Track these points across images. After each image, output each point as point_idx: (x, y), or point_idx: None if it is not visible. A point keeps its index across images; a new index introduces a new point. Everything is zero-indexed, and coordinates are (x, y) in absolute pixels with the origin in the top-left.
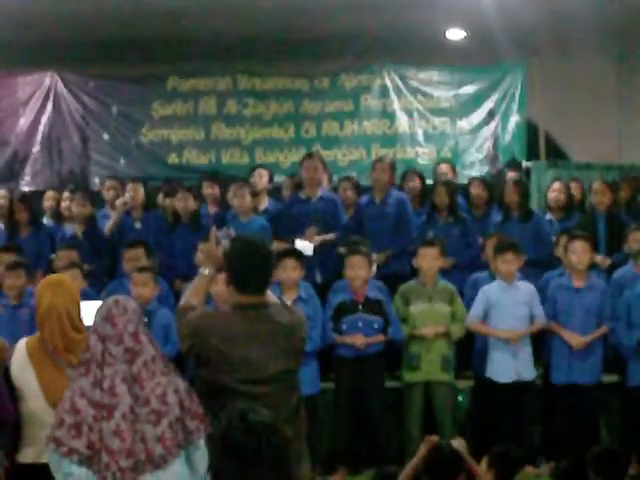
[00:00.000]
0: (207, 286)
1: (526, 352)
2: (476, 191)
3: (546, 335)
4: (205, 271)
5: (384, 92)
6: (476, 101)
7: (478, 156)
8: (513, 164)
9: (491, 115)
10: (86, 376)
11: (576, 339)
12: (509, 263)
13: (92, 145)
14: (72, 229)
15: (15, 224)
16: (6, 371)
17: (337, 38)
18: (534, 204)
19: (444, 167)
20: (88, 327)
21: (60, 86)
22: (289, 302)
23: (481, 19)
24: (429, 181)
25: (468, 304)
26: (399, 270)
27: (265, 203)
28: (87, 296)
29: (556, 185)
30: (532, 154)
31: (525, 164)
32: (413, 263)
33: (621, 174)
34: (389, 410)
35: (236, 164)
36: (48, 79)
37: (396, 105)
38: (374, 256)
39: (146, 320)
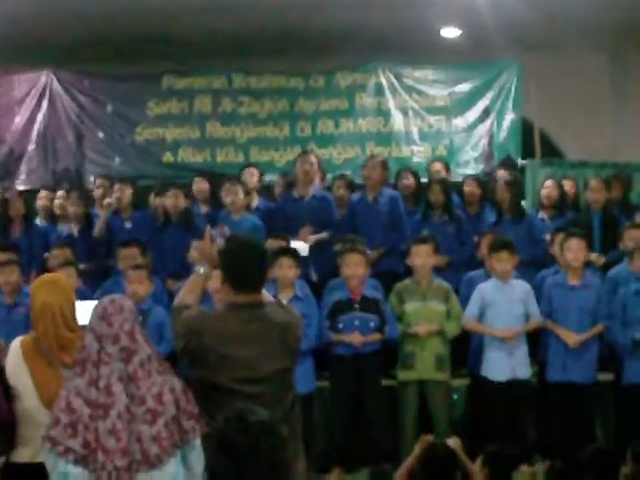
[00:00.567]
0: (202, 284)
1: (522, 350)
2: (469, 189)
3: (541, 333)
4: (200, 269)
5: (379, 90)
6: (471, 99)
7: (473, 154)
8: (508, 162)
9: (486, 113)
10: (82, 375)
11: (572, 337)
12: (504, 262)
13: (87, 143)
14: (68, 229)
15: (7, 223)
16: (1, 370)
17: (332, 37)
18: (529, 202)
19: (437, 165)
20: (83, 326)
21: (55, 84)
22: (285, 301)
23: (476, 17)
24: (424, 179)
25: (463, 303)
26: (392, 268)
27: (256, 202)
28: (82, 295)
29: (548, 182)
30: (527, 152)
31: (520, 162)
32: (407, 261)
33: (616, 172)
34: (385, 409)
35: (231, 163)
36: (44, 77)
37: (391, 103)
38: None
39: (141, 318)
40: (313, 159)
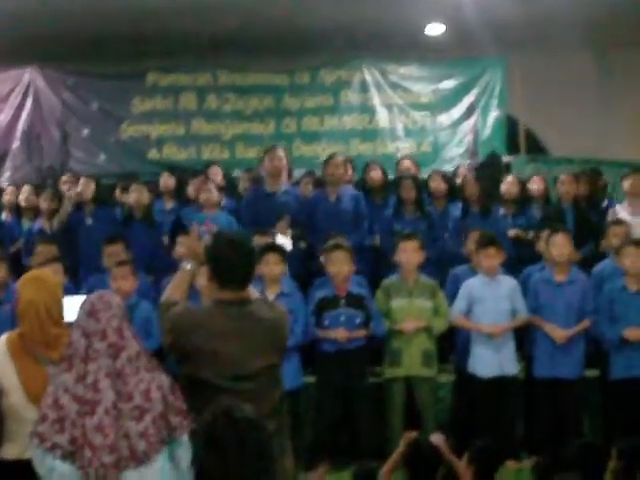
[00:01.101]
0: (189, 281)
1: (509, 347)
2: (435, 184)
3: (528, 329)
4: (187, 266)
5: (364, 87)
6: (456, 96)
7: (458, 151)
8: (493, 159)
9: (471, 110)
10: (69, 371)
11: (558, 333)
12: (491, 258)
13: (72, 141)
14: (40, 224)
15: None
16: None
17: (317, 34)
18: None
19: (407, 162)
20: (69, 323)
21: (40, 82)
22: (271, 297)
23: (461, 14)
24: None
25: (448, 299)
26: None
27: (222, 200)
28: (66, 291)
29: (509, 179)
30: (512, 149)
31: (505, 159)
32: (395, 258)
33: (601, 169)
34: (371, 405)
35: (216, 159)
36: (28, 75)
37: (376, 100)
38: None
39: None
40: (281, 154)
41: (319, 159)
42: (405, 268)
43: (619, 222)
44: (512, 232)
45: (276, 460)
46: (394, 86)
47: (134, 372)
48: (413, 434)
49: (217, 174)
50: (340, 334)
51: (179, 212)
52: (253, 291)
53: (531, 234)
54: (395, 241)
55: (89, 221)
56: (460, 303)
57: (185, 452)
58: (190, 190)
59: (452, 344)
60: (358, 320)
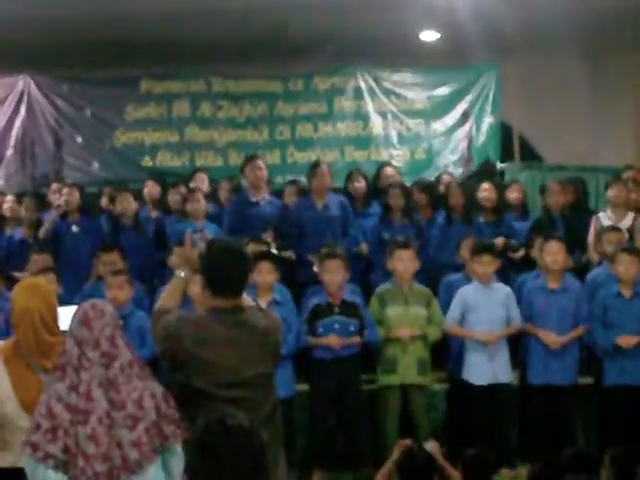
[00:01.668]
0: (183, 289)
1: (502, 354)
2: (416, 196)
3: (522, 337)
4: (181, 274)
5: (358, 94)
6: (450, 103)
7: (452, 158)
8: (487, 166)
9: (465, 117)
10: (62, 380)
11: (552, 338)
12: (486, 265)
13: (66, 148)
14: (20, 233)
15: None
16: None
17: (311, 40)
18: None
19: (389, 170)
20: (64, 331)
21: (33, 89)
22: (264, 305)
23: (455, 21)
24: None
25: (442, 307)
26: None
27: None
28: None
29: (485, 185)
30: (506, 156)
31: (499, 166)
32: (389, 266)
33: (595, 176)
34: (365, 413)
35: (210, 167)
36: (21, 82)
37: (370, 107)
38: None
39: (121, 323)
40: (262, 164)
41: None
42: (401, 276)
43: (614, 229)
44: (499, 240)
45: (270, 469)
46: (388, 93)
47: (127, 381)
48: (407, 442)
49: (204, 181)
50: (334, 341)
51: (162, 221)
52: (247, 299)
53: (514, 242)
54: (390, 249)
55: (75, 229)
56: (454, 311)
57: (178, 461)
58: (171, 199)
59: (446, 352)
60: (352, 328)
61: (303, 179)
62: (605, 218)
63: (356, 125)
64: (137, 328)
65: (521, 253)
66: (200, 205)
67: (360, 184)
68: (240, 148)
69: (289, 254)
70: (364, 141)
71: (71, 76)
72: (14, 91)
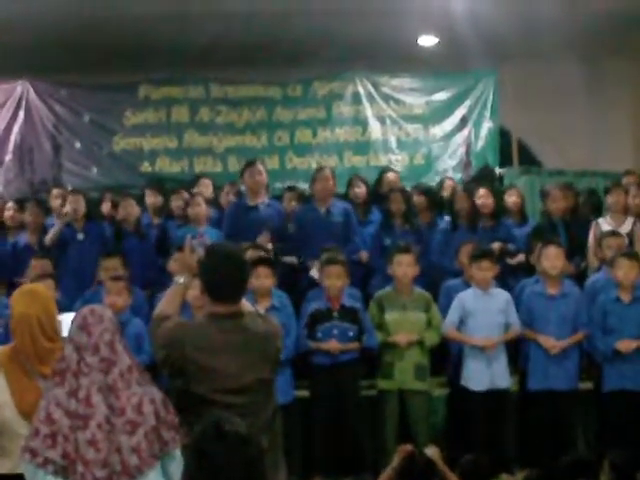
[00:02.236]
0: (182, 295)
1: (501, 360)
2: (416, 199)
3: (522, 343)
4: (180, 279)
5: (357, 99)
6: (448, 108)
7: (451, 163)
8: (486, 171)
9: (464, 122)
10: (61, 386)
11: (552, 343)
12: (485, 270)
13: (64, 154)
14: (25, 239)
15: None
16: None
17: (309, 46)
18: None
19: (391, 176)
20: (64, 338)
21: (32, 95)
22: (262, 310)
23: (453, 26)
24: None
25: (441, 312)
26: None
27: (210, 214)
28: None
29: (482, 191)
30: (505, 160)
31: (498, 171)
32: (389, 271)
33: (594, 180)
34: (364, 418)
35: (209, 172)
36: (20, 88)
37: (369, 112)
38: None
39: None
40: (261, 168)
41: (312, 172)
42: (401, 281)
43: (614, 234)
44: (496, 245)
45: (268, 476)
46: (387, 98)
47: (126, 386)
48: (408, 447)
49: (208, 186)
50: (333, 346)
51: (165, 227)
52: (246, 304)
53: (512, 247)
54: (390, 254)
55: (80, 236)
56: (453, 316)
57: (177, 467)
58: (174, 205)
59: (445, 357)
60: (351, 333)
61: (302, 185)
62: (605, 223)
63: (355, 130)
64: (134, 335)
65: (519, 258)
66: (201, 209)
67: (360, 190)
68: (239, 153)
69: (292, 259)
70: (363, 146)
71: (70, 81)
72: (12, 96)
